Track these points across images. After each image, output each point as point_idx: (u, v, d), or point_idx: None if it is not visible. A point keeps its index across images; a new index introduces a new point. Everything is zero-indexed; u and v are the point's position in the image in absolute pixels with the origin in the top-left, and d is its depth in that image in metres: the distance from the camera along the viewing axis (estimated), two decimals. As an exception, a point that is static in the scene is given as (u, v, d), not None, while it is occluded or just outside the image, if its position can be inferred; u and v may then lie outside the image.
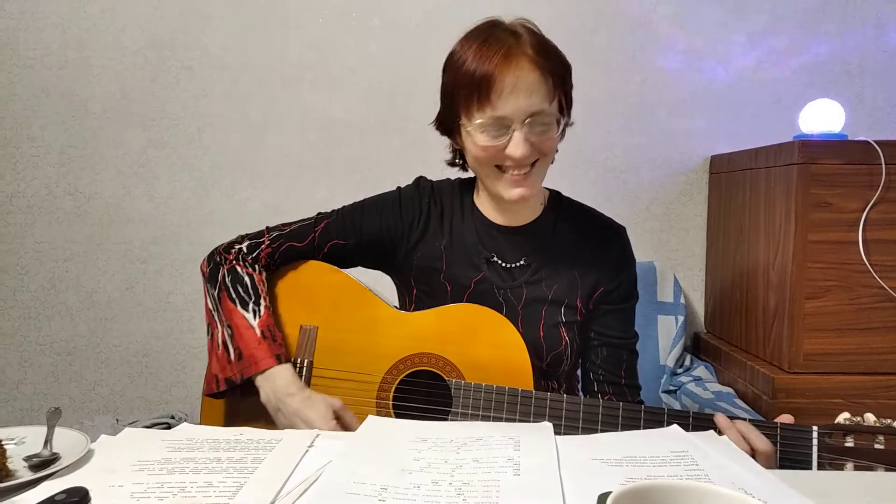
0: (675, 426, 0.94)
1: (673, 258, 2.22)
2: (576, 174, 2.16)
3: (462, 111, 1.11)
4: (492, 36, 1.09)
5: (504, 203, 1.19)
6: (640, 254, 2.17)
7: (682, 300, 2.09)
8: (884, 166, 1.60)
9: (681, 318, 2.06)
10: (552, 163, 1.22)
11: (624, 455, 0.82)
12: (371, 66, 2.17)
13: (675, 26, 2.15)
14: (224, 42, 2.17)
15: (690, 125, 2.17)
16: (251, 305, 1.17)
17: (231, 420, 1.20)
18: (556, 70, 1.10)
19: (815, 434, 0.94)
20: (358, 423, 1.09)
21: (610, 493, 0.49)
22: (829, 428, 0.94)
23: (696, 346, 2.19)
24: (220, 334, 1.17)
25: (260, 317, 1.16)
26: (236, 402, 1.21)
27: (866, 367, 1.64)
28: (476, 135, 1.10)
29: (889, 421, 0.93)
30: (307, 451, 0.86)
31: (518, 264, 1.21)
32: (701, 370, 2.00)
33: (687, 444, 0.86)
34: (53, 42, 2.16)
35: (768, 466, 0.91)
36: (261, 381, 1.12)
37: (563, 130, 1.17)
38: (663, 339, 2.04)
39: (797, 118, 1.83)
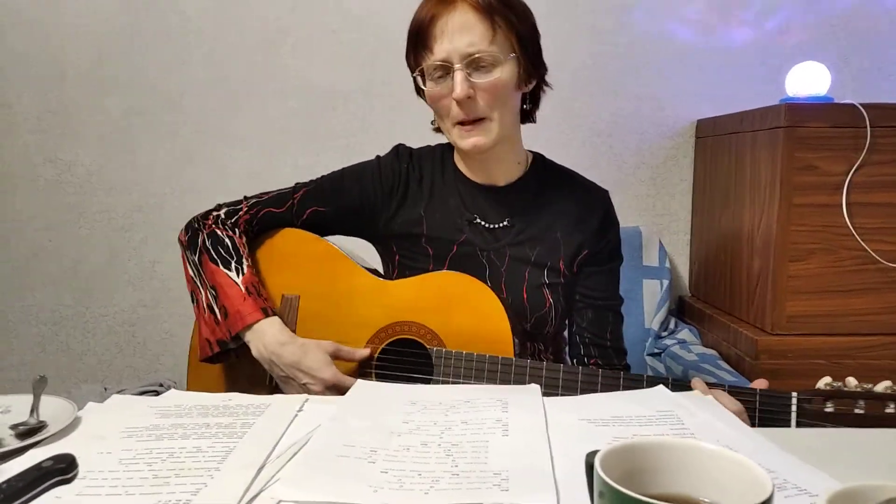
0: (660, 386, 0.96)
1: (658, 222, 2.22)
2: (562, 138, 2.15)
3: (414, 64, 1.13)
4: None
5: (469, 157, 1.19)
6: (626, 218, 2.19)
7: (668, 264, 2.10)
8: (869, 129, 1.60)
9: (666, 282, 2.07)
10: (531, 119, 1.23)
11: (611, 415, 0.84)
12: (353, 28, 2.13)
13: (661, -12, 2.12)
14: (202, 6, 2.12)
15: (676, 89, 2.16)
16: (233, 264, 1.17)
17: (218, 388, 1.20)
18: (498, 9, 1.06)
19: (794, 400, 0.94)
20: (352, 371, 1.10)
21: (597, 451, 0.50)
22: (808, 394, 0.93)
23: (681, 310, 2.21)
24: (204, 298, 1.17)
25: (243, 274, 1.16)
26: (224, 371, 1.20)
27: (848, 329, 1.67)
28: (426, 84, 1.11)
29: (869, 385, 0.92)
30: (296, 415, 0.86)
31: (501, 225, 1.20)
32: (685, 333, 2.02)
33: (673, 404, 0.87)
34: (26, 7, 2.10)
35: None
36: (250, 336, 1.12)
37: (529, 80, 1.15)
38: (648, 302, 2.06)
39: (784, 81, 1.82)
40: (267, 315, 1.12)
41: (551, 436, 0.77)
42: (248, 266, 1.17)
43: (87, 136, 2.16)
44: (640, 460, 0.51)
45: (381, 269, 1.30)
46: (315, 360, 1.07)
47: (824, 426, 0.92)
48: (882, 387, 0.92)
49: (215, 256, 1.18)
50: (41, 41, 2.12)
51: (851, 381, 0.93)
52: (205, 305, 1.16)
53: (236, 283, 1.14)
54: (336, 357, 1.10)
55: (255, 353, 1.11)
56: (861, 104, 1.61)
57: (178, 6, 2.12)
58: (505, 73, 1.08)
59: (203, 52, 2.14)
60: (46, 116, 2.15)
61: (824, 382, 0.95)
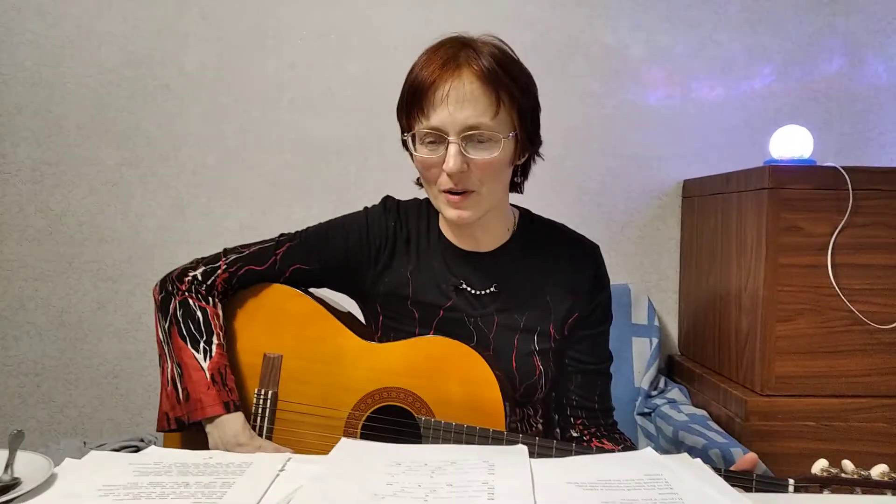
0: (648, 448, 0.94)
1: (647, 280, 2.23)
2: (552, 196, 2.17)
3: (406, 123, 1.07)
4: (444, 45, 1.05)
5: (454, 225, 1.14)
6: (615, 276, 2.17)
7: (657, 322, 2.10)
8: (851, 191, 1.64)
9: (655, 341, 2.07)
10: (518, 191, 1.21)
11: (598, 478, 0.82)
12: (349, 86, 2.18)
13: (647, 54, 2.19)
14: (201, 61, 2.16)
15: (663, 150, 2.21)
16: (202, 345, 1.13)
17: (193, 445, 1.17)
18: (504, 83, 1.01)
19: (791, 488, 0.90)
20: None
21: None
22: (805, 481, 0.90)
23: (670, 369, 2.20)
24: (169, 370, 1.13)
25: (211, 358, 1.11)
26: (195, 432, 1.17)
27: (837, 390, 1.66)
28: (417, 147, 1.06)
29: (867, 473, 0.89)
30: (278, 475, 0.84)
31: (488, 291, 1.16)
32: (675, 392, 2.01)
33: (661, 467, 0.86)
34: (27, 59, 2.14)
35: None
36: (210, 428, 1.09)
37: (523, 154, 1.11)
38: (637, 361, 2.05)
39: (768, 143, 1.87)
40: (228, 410, 1.08)
41: (538, 499, 0.75)
42: (217, 345, 1.13)
43: (80, 187, 2.17)
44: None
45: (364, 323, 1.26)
46: None
47: None
48: (878, 472, 0.89)
49: (184, 332, 1.14)
50: (42, 94, 2.14)
51: (848, 466, 0.90)
52: (168, 378, 1.13)
53: (202, 368, 1.10)
54: None
55: (210, 444, 1.08)
56: (843, 167, 1.65)
57: (179, 61, 2.16)
58: (503, 151, 1.03)
59: (201, 105, 2.17)
60: (41, 167, 2.16)
61: (820, 467, 0.91)
